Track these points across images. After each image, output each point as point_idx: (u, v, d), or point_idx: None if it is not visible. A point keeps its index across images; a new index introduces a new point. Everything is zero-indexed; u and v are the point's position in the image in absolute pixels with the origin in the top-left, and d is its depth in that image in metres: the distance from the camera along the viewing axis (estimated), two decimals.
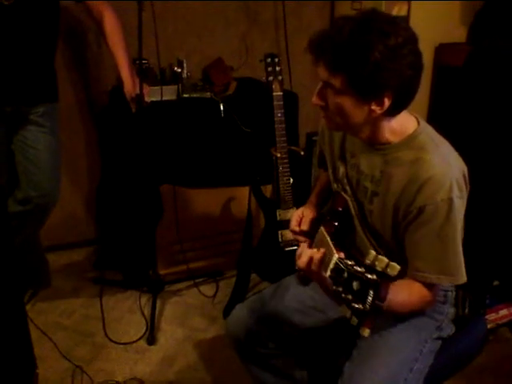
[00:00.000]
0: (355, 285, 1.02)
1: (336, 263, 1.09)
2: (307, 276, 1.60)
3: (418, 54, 1.29)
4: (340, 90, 1.31)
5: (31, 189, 2.40)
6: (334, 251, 1.14)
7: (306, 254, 1.29)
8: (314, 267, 1.25)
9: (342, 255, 1.13)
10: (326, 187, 1.80)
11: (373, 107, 1.32)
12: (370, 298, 0.99)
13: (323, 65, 1.31)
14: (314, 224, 1.66)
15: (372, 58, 1.23)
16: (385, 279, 1.01)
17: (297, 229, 1.69)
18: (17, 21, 2.14)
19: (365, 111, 1.33)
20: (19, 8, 2.12)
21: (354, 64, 1.25)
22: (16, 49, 2.18)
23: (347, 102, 1.32)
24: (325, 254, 1.22)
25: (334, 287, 1.07)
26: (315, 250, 1.27)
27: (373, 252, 1.04)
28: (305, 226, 1.68)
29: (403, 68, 1.26)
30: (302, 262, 1.29)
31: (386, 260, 1.01)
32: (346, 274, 1.05)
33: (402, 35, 1.25)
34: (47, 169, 2.42)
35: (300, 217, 1.72)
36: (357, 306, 1.01)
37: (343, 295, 1.04)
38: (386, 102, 1.30)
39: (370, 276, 1.00)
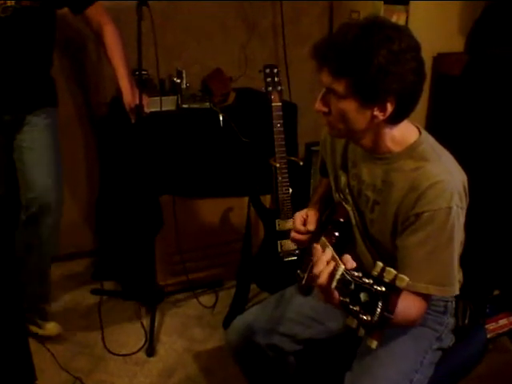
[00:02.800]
0: (363, 296, 1.01)
1: (342, 274, 1.08)
2: (308, 286, 1.59)
3: (420, 62, 1.31)
4: (343, 95, 1.31)
5: (27, 190, 2.31)
6: (340, 262, 1.13)
7: (322, 262, 1.18)
8: (321, 280, 1.16)
9: (354, 264, 1.11)
10: (326, 193, 1.79)
11: (375, 113, 1.32)
12: (378, 309, 0.98)
13: (327, 70, 1.31)
14: (318, 227, 1.64)
15: (376, 62, 1.24)
16: (393, 291, 1.00)
17: (303, 228, 1.65)
18: (13, 32, 2.14)
19: (367, 117, 1.34)
20: (16, 20, 2.12)
21: (357, 68, 1.26)
22: (13, 59, 2.18)
23: (350, 107, 1.32)
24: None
25: (341, 298, 1.06)
26: (329, 258, 1.18)
27: (380, 263, 1.03)
28: (311, 226, 1.64)
29: (406, 73, 1.27)
30: (317, 269, 1.17)
31: (394, 272, 1.00)
32: (352, 286, 1.04)
33: (406, 41, 1.27)
34: (41, 166, 2.33)
35: (304, 217, 1.67)
36: (365, 317, 1.00)
37: (350, 306, 1.03)
38: (389, 108, 1.31)
39: (378, 288, 0.99)
